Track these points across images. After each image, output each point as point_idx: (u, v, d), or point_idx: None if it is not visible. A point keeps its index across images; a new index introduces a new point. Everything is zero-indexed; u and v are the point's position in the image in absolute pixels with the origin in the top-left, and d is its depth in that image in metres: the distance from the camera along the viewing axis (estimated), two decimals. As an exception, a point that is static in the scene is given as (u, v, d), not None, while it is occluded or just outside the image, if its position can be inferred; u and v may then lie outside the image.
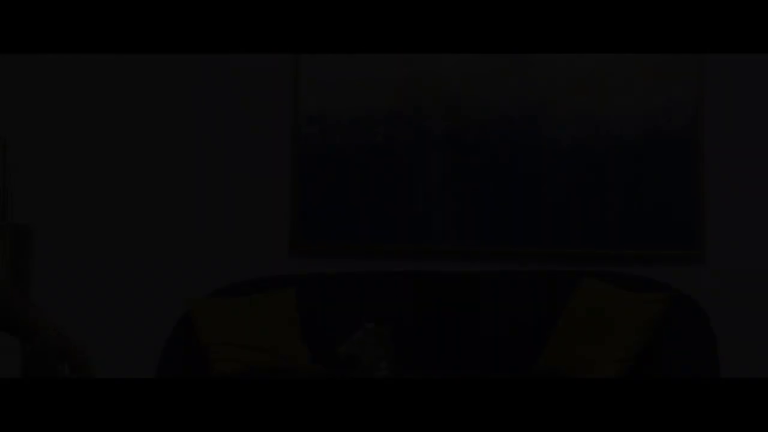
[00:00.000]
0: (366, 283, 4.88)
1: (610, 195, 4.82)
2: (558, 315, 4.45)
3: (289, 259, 5.14)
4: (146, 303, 5.20)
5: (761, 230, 4.76)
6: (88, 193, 5.33)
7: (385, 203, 5.02)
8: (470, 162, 4.96)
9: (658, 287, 4.46)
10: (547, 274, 4.75)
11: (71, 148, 5.36)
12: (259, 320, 4.66)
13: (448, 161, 4.99)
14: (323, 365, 4.61)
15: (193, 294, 4.85)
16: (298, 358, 4.59)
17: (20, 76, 5.17)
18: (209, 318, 4.62)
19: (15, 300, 2.46)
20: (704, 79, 4.77)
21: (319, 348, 4.65)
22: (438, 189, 4.99)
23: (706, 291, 4.58)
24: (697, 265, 4.74)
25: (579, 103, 4.87)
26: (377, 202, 5.03)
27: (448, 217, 4.97)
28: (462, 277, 4.83)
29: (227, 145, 5.22)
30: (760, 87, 4.76)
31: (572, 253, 4.85)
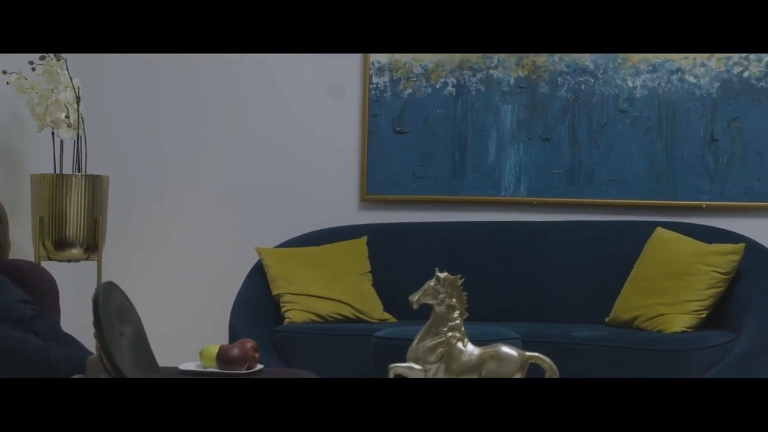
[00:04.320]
0: (436, 233, 4.87)
1: (683, 145, 4.76)
2: (630, 266, 4.41)
3: (359, 210, 5.15)
4: (219, 253, 5.24)
5: (839, 180, 4.68)
6: (161, 144, 5.37)
7: (455, 154, 5.00)
8: (541, 112, 4.92)
9: (732, 238, 4.40)
10: (618, 225, 4.71)
11: (143, 101, 5.39)
12: (329, 270, 4.68)
13: (518, 111, 4.95)
14: (394, 314, 4.63)
15: (263, 244, 4.87)
16: (370, 307, 4.60)
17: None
18: (280, 268, 4.64)
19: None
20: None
21: (390, 297, 4.66)
22: (508, 139, 4.95)
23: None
24: (773, 216, 4.68)
25: (653, 52, 4.80)
26: (447, 153, 5.01)
27: (519, 168, 4.94)
28: (533, 228, 4.80)
29: (298, 96, 5.22)
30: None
31: (645, 204, 4.80)
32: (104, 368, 2.58)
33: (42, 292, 3.46)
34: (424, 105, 5.05)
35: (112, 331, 2.58)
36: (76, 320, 4.11)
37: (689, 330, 4.03)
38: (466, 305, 2.71)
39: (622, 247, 4.57)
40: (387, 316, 4.62)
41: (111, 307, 2.61)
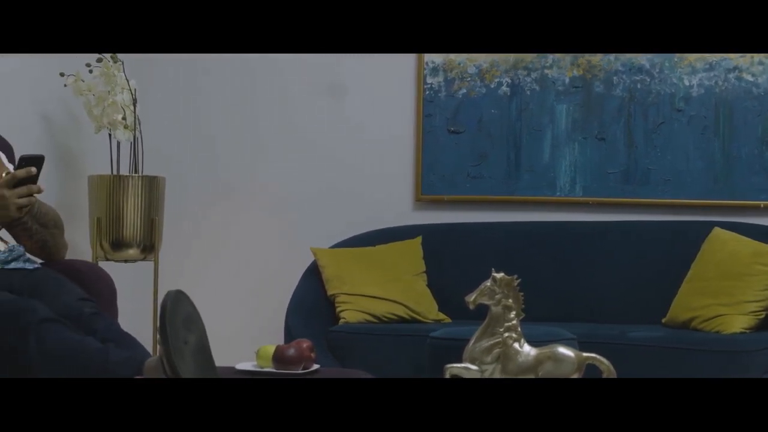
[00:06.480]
0: (491, 233, 4.86)
1: (741, 144, 4.71)
2: (687, 267, 4.37)
3: (414, 210, 5.14)
4: (274, 254, 5.26)
5: None
6: (216, 145, 5.40)
7: (510, 154, 4.99)
8: (596, 112, 4.89)
9: (792, 238, 4.35)
10: (675, 225, 4.68)
11: (198, 103, 5.42)
12: (384, 270, 4.68)
13: (573, 111, 4.92)
14: (449, 315, 4.62)
15: (318, 245, 4.88)
16: (425, 308, 4.60)
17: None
18: (335, 268, 4.65)
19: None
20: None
21: (445, 297, 4.65)
22: (563, 139, 4.93)
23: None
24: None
25: (710, 50, 4.76)
26: (502, 153, 5.00)
27: (574, 168, 4.91)
28: (588, 228, 4.78)
29: (352, 96, 5.23)
30: None
31: (702, 204, 4.76)
32: (165, 374, 2.61)
33: (99, 292, 3.48)
34: (479, 105, 5.04)
35: (176, 340, 2.61)
36: (133, 320, 4.14)
37: (747, 331, 4.00)
38: (523, 306, 2.70)
39: (678, 248, 4.53)
40: (442, 316, 4.62)
41: (178, 315, 2.64)
